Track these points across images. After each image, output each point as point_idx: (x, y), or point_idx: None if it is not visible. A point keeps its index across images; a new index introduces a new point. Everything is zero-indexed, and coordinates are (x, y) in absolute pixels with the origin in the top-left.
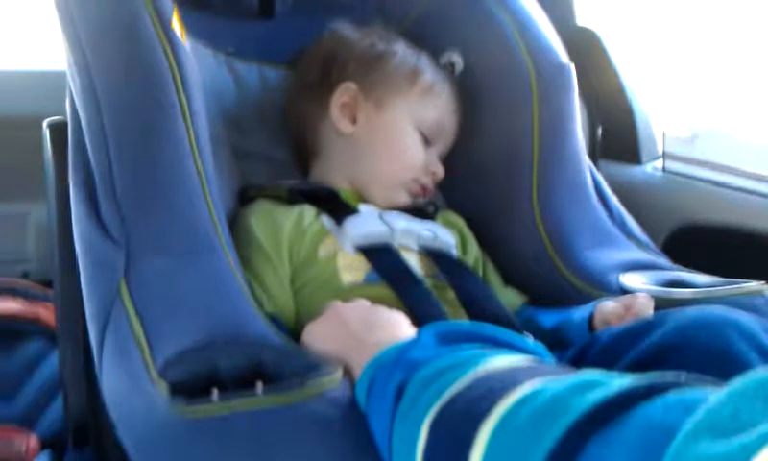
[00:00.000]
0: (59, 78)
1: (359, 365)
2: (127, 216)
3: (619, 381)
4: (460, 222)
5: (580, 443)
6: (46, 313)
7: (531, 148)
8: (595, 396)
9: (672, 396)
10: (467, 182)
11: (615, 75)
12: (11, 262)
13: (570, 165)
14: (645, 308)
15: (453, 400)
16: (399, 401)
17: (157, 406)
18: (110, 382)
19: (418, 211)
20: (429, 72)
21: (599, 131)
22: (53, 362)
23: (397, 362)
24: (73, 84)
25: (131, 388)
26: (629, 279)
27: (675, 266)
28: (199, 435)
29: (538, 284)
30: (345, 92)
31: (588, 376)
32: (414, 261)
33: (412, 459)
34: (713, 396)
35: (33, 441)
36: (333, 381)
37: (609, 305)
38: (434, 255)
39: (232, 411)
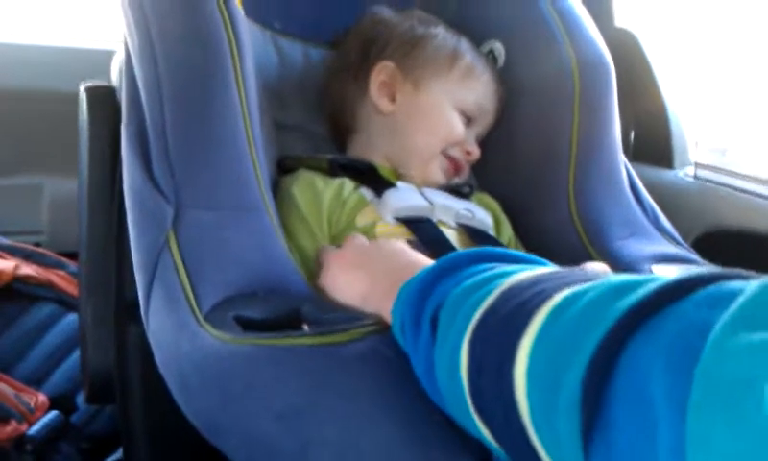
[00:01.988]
0: (76, 54)
1: (381, 307)
2: (177, 171)
3: (650, 284)
4: (494, 204)
5: (619, 346)
6: (59, 280)
7: (570, 141)
8: (628, 300)
9: (700, 293)
10: (503, 169)
11: (652, 78)
12: (23, 233)
13: (607, 160)
14: None
15: (485, 320)
16: (436, 331)
17: (203, 346)
18: (157, 326)
19: (454, 191)
20: (469, 55)
21: (632, 133)
22: (63, 326)
23: (424, 295)
24: (130, 41)
25: (178, 331)
26: (661, 271)
27: (705, 262)
28: (242, 371)
29: None
30: (383, 71)
31: (619, 281)
32: (452, 237)
33: (458, 383)
34: (748, 287)
35: (41, 399)
36: (374, 329)
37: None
38: (471, 233)
39: (278, 346)
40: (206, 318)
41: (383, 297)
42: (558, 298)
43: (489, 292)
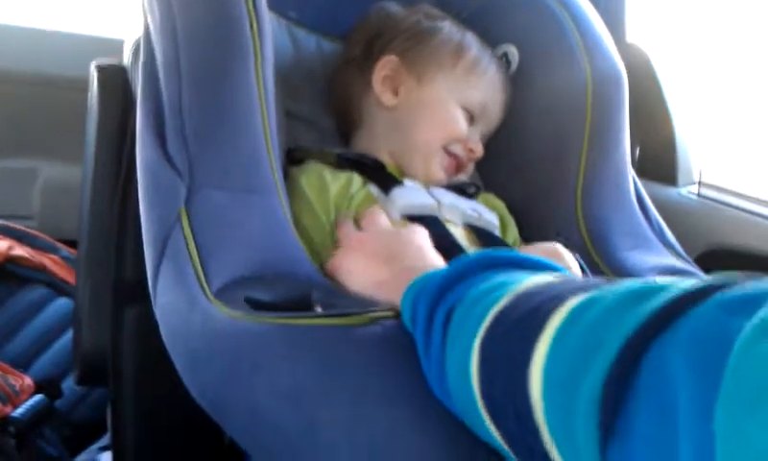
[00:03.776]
0: (79, 40)
1: (397, 298)
2: (192, 150)
3: (674, 287)
4: (500, 205)
5: (643, 348)
6: (51, 264)
7: (580, 148)
8: (654, 302)
9: (721, 295)
10: (511, 171)
11: (661, 96)
12: (14, 217)
13: (615, 170)
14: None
15: (498, 321)
16: (447, 330)
17: (213, 321)
18: (165, 301)
19: (460, 190)
20: (474, 49)
21: (637, 149)
22: (53, 310)
23: (437, 300)
24: (151, 17)
25: (187, 306)
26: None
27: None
28: (251, 348)
29: None
30: (386, 64)
31: (641, 285)
32: (459, 236)
33: (468, 384)
34: None
35: (27, 382)
36: (389, 314)
37: None
38: (478, 233)
39: (290, 326)
40: (216, 296)
41: (400, 291)
42: (576, 300)
43: (503, 294)
